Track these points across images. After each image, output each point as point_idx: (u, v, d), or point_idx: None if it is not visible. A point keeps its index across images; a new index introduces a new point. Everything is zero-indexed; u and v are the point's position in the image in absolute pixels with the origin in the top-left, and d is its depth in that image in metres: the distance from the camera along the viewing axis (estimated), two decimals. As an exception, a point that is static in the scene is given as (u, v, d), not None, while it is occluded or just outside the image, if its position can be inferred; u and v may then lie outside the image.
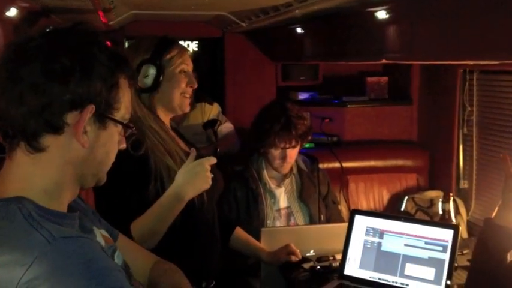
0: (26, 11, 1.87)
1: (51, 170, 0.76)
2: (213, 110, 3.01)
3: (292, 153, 2.17)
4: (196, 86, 1.56)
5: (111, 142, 0.82)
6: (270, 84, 3.60)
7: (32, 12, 2.00)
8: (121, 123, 0.81)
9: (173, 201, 1.36)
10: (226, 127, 2.94)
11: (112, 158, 0.85)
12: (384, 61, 2.31)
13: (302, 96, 3.42)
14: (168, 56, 1.50)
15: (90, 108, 0.76)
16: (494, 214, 1.17)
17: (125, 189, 1.38)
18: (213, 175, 1.42)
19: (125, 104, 0.82)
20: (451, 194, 2.24)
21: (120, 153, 1.34)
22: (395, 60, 2.30)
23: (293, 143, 2.14)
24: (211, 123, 2.24)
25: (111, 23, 2.90)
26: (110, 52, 0.79)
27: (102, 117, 0.78)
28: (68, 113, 0.74)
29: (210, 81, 3.57)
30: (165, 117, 1.56)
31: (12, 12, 1.73)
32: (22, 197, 0.74)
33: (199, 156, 1.43)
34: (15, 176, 0.75)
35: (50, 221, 0.73)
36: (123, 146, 0.87)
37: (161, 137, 1.48)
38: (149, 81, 1.48)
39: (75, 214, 0.82)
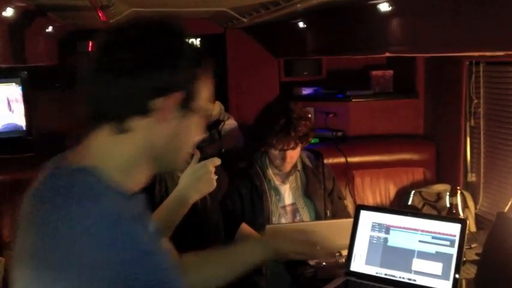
0: (22, 10, 1.86)
1: (130, 151, 0.81)
2: (215, 108, 3.00)
3: (293, 154, 2.14)
4: None
5: (190, 131, 0.86)
6: (273, 80, 3.58)
7: (28, 11, 1.99)
8: (201, 113, 0.86)
9: (177, 205, 1.35)
10: (229, 124, 2.92)
11: (189, 147, 0.88)
12: (387, 54, 2.27)
13: (306, 91, 3.40)
14: None
15: (176, 96, 0.80)
16: (507, 208, 1.14)
17: None
18: (217, 176, 1.40)
19: (205, 95, 0.86)
20: (459, 188, 2.21)
21: None
22: (399, 53, 2.27)
23: (292, 145, 2.10)
24: (215, 124, 2.22)
25: (110, 21, 2.89)
26: (194, 46, 0.85)
27: (185, 106, 0.82)
28: (156, 99, 0.78)
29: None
30: None
31: (8, 12, 1.72)
32: (95, 168, 0.78)
33: (203, 157, 1.41)
34: (93, 151, 0.80)
35: (112, 196, 0.77)
36: (200, 137, 0.89)
37: None
38: None
39: (140, 195, 0.85)
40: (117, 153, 0.81)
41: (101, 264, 0.69)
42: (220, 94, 3.39)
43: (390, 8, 1.98)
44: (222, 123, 2.50)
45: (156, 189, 1.42)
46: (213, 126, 2.18)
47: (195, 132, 0.87)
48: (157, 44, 0.81)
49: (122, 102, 0.79)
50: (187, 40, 0.84)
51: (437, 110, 2.99)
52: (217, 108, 3.00)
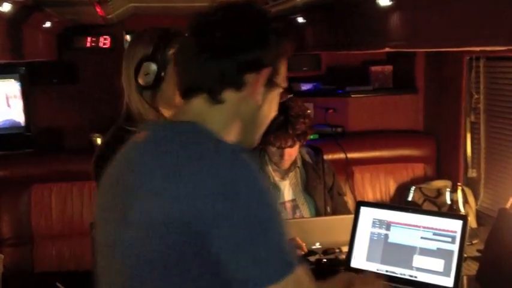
0: (20, 5, 1.84)
1: (224, 119, 0.90)
2: None
3: (291, 151, 2.13)
4: None
5: (273, 105, 0.96)
6: None
7: (25, 6, 1.97)
8: (280, 89, 0.95)
9: None
10: None
11: (269, 121, 0.98)
12: (387, 49, 2.26)
13: (305, 87, 3.38)
14: (170, 52, 1.44)
15: (265, 72, 0.90)
16: (509, 204, 1.14)
17: None
18: None
19: (284, 73, 0.95)
20: (459, 184, 2.20)
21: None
22: (399, 49, 2.25)
23: (289, 143, 2.09)
24: None
25: (109, 16, 2.87)
26: (277, 26, 0.94)
27: (271, 81, 0.92)
28: (248, 74, 0.89)
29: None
30: (168, 113, 1.50)
31: (5, 7, 1.70)
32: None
33: None
34: (191, 115, 0.90)
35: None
36: (276, 112, 0.99)
37: None
38: (150, 79, 1.43)
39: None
40: (213, 120, 0.90)
41: (261, 214, 0.80)
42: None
43: (390, 2, 1.97)
44: None
45: None
46: None
47: (274, 107, 0.96)
48: (248, 24, 0.90)
49: (218, 77, 0.88)
50: (273, 21, 0.94)
51: (437, 105, 2.98)
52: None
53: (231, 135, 0.92)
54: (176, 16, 3.30)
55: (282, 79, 0.95)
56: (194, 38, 0.92)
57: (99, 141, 3.07)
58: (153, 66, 1.43)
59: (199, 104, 0.91)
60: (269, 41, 0.90)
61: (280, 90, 0.95)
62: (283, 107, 2.11)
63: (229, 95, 0.90)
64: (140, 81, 1.44)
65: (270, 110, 0.96)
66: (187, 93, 0.93)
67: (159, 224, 0.80)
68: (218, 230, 0.78)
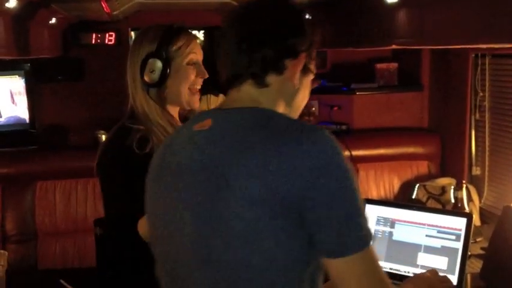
0: (26, 2, 1.84)
1: (272, 100, 0.98)
2: (218, 101, 2.97)
3: None
4: (206, 76, 1.50)
5: (307, 90, 1.04)
6: None
7: (31, 2, 1.97)
8: (312, 75, 1.04)
9: None
10: None
11: (303, 105, 1.06)
12: (394, 46, 2.25)
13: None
14: (175, 47, 1.44)
15: (303, 58, 0.99)
16: None
17: (132, 188, 1.33)
18: None
19: (315, 59, 1.04)
20: (464, 182, 2.19)
21: (125, 152, 1.35)
22: (406, 46, 2.24)
23: None
24: None
25: (115, 12, 2.86)
26: (311, 16, 1.06)
27: (306, 66, 1.01)
28: (288, 60, 0.97)
29: (216, 72, 3.50)
30: (174, 110, 1.51)
31: (11, 3, 1.70)
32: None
33: None
34: (247, 99, 0.97)
35: None
36: (308, 98, 1.07)
37: (168, 133, 1.43)
38: (156, 76, 1.42)
39: None
40: (265, 102, 0.97)
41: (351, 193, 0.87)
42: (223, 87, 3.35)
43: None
44: None
45: None
46: None
47: (307, 92, 1.04)
48: (286, 13, 0.99)
49: (261, 63, 0.96)
50: (306, 12, 1.03)
51: (442, 103, 2.96)
52: (220, 101, 2.97)
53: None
54: (181, 12, 3.31)
55: (313, 66, 1.03)
56: (235, 29, 0.98)
57: (104, 138, 3.07)
58: (158, 63, 1.42)
59: (249, 89, 0.98)
60: (305, 29, 0.98)
61: (312, 76, 1.03)
62: None
63: (272, 79, 0.98)
64: (146, 78, 1.43)
65: (305, 94, 1.04)
66: (233, 81, 0.99)
67: (254, 200, 0.84)
68: (312, 203, 0.85)
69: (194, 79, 1.48)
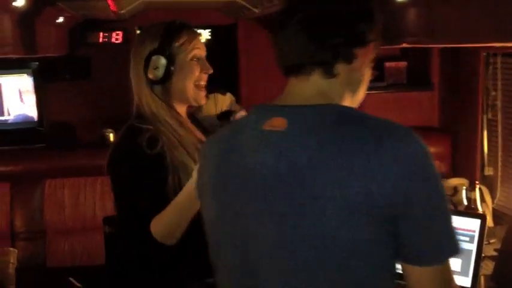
0: (33, 0, 1.84)
1: (340, 91, 0.93)
2: (225, 100, 2.96)
3: None
4: (211, 71, 1.48)
5: (368, 81, 0.99)
6: None
7: (38, 1, 1.96)
8: (372, 65, 1.00)
9: (189, 199, 1.30)
10: (241, 115, 2.88)
11: (363, 97, 1.02)
12: (404, 45, 2.22)
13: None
14: (177, 43, 1.42)
15: (372, 46, 0.94)
16: None
17: (143, 188, 1.34)
18: None
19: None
20: (477, 182, 2.15)
21: (136, 151, 1.34)
22: (416, 44, 2.21)
23: None
24: (226, 114, 2.17)
25: (121, 11, 2.85)
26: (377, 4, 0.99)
27: (372, 57, 0.97)
28: (358, 47, 0.92)
29: (223, 71, 3.49)
30: (181, 108, 1.49)
31: (19, 2, 1.69)
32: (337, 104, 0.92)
33: None
34: (313, 92, 0.92)
35: None
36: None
37: (176, 132, 1.42)
38: (160, 73, 1.40)
39: None
40: (333, 93, 0.92)
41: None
42: (231, 85, 3.35)
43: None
44: (234, 114, 2.46)
45: (169, 182, 1.36)
46: (224, 116, 2.13)
47: (367, 83, 0.99)
48: (359, 3, 0.93)
49: (331, 52, 0.90)
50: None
51: (453, 102, 2.92)
52: (227, 100, 2.95)
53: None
54: (188, 11, 3.30)
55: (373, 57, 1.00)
56: (302, 14, 0.91)
57: (111, 136, 3.08)
58: (162, 60, 1.40)
59: (317, 80, 0.92)
60: (374, 16, 0.93)
61: (372, 66, 0.99)
62: None
63: (341, 68, 0.92)
64: (150, 75, 1.42)
65: (366, 84, 0.99)
66: (298, 70, 0.92)
67: (346, 207, 0.80)
68: (407, 210, 0.81)
69: (199, 75, 1.46)
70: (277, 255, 0.85)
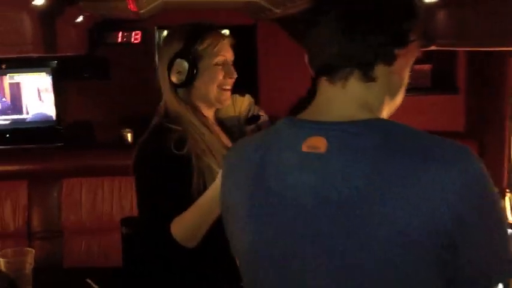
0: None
1: (379, 98, 0.86)
2: (244, 102, 2.91)
3: None
4: (235, 76, 1.47)
5: (406, 82, 0.92)
6: (306, 75, 3.43)
7: (59, 0, 1.95)
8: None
9: (212, 203, 1.29)
10: (265, 120, 2.84)
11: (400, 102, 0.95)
12: (433, 48, 2.15)
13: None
14: (201, 47, 1.41)
15: (414, 46, 0.86)
16: None
17: (167, 189, 1.34)
18: None
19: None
20: (508, 191, 2.08)
21: (163, 152, 1.34)
22: (446, 47, 2.14)
23: None
24: (254, 119, 2.13)
25: (141, 11, 2.83)
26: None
27: (413, 59, 0.90)
28: (398, 48, 0.84)
29: (241, 72, 3.45)
30: (208, 111, 1.48)
31: (39, 0, 1.67)
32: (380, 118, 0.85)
33: None
34: (352, 100, 0.84)
35: None
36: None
37: (202, 134, 1.41)
38: (183, 77, 1.40)
39: None
40: (370, 101, 0.85)
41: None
42: (250, 87, 3.30)
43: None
44: (261, 119, 2.42)
45: (194, 184, 1.35)
46: (251, 121, 2.09)
47: (406, 88, 0.92)
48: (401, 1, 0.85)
49: (370, 52, 0.82)
50: None
51: (479, 106, 2.84)
52: (246, 101, 2.91)
53: (384, 115, 0.88)
54: (208, 11, 3.26)
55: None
56: (338, 9, 0.84)
57: (129, 136, 3.07)
58: (185, 64, 1.39)
59: (355, 85, 0.84)
60: (417, 14, 0.85)
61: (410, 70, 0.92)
62: None
63: (380, 71, 0.84)
64: (173, 78, 1.41)
65: (405, 90, 0.91)
66: (333, 72, 0.84)
67: (400, 233, 0.74)
68: (467, 237, 0.76)
69: (222, 80, 1.44)
70: (321, 285, 0.79)
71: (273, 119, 2.81)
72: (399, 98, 0.90)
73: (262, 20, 3.39)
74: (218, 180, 1.27)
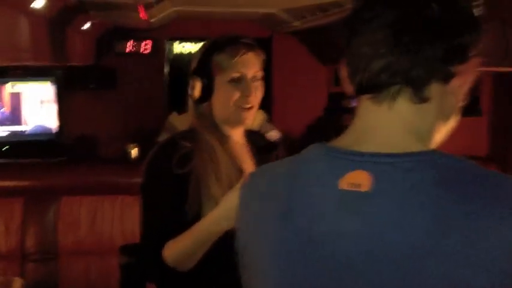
0: (63, 7, 1.70)
1: (431, 124, 0.73)
2: (257, 117, 2.78)
3: None
4: (251, 95, 1.32)
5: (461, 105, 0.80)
6: (321, 90, 3.33)
7: (69, 8, 1.83)
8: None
9: (212, 228, 1.22)
10: (272, 136, 2.69)
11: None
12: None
13: (356, 103, 3.13)
14: (215, 63, 1.30)
15: (475, 62, 0.72)
16: None
17: (161, 206, 1.29)
18: None
19: None
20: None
21: (164, 169, 1.28)
22: (486, 67, 1.98)
23: None
24: (273, 147, 1.95)
25: (152, 20, 2.71)
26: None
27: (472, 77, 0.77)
28: (457, 63, 0.71)
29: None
30: (231, 129, 1.35)
31: (38, 3, 1.53)
32: (434, 150, 0.71)
33: None
34: (400, 126, 0.72)
35: None
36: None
37: (215, 155, 1.30)
38: (196, 94, 1.32)
39: None
40: (422, 126, 0.72)
41: None
42: (263, 102, 3.15)
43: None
44: (279, 147, 2.25)
45: (187, 207, 1.26)
46: (270, 149, 1.91)
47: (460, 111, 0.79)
48: (460, 10, 0.72)
49: (426, 67, 0.69)
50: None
51: (504, 129, 2.68)
52: (259, 117, 2.79)
53: (436, 143, 0.74)
54: (221, 22, 3.13)
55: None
56: (387, 14, 0.70)
57: (134, 152, 2.92)
58: (198, 81, 1.32)
59: (403, 107, 0.71)
60: (479, 25, 0.71)
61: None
62: (338, 128, 1.90)
63: (434, 90, 0.70)
64: (191, 94, 1.34)
65: (459, 114, 0.78)
66: (378, 90, 0.71)
67: None
68: None
69: (239, 98, 1.31)
70: None
71: (286, 137, 2.67)
72: (452, 123, 0.76)
73: (278, 32, 3.27)
74: (218, 212, 1.21)
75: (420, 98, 0.70)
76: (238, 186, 1.19)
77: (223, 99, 1.32)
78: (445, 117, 0.74)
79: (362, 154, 0.69)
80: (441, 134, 0.75)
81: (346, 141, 0.73)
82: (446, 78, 0.70)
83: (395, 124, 0.71)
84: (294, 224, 0.71)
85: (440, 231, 0.63)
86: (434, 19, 0.69)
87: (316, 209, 0.69)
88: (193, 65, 1.33)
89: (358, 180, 0.67)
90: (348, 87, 0.74)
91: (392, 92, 0.70)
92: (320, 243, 0.69)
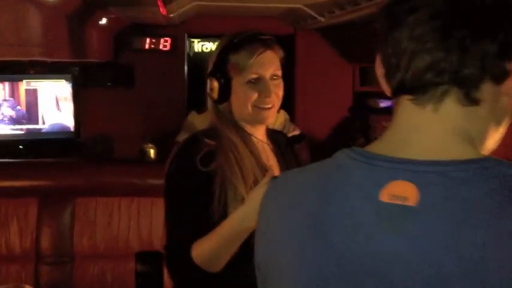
0: (81, 1, 1.63)
1: (481, 126, 0.66)
2: (279, 118, 2.72)
3: None
4: (270, 95, 1.28)
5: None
6: (346, 90, 3.23)
7: (88, 3, 1.77)
8: None
9: (238, 227, 1.20)
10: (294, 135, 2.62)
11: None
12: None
13: (383, 103, 3.01)
14: (232, 65, 1.28)
15: None
16: None
17: (187, 205, 1.27)
18: None
19: None
20: None
21: (188, 167, 1.27)
22: None
23: None
24: (299, 139, 1.92)
25: (171, 15, 2.64)
26: None
27: None
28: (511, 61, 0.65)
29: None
30: (252, 128, 1.33)
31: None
32: (487, 157, 0.64)
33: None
34: (447, 130, 0.65)
35: None
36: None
37: (238, 153, 1.28)
38: (214, 94, 1.30)
39: None
40: (472, 131, 0.65)
41: None
42: (286, 102, 3.06)
43: None
44: (302, 142, 2.19)
45: (214, 206, 1.24)
46: (293, 144, 1.88)
47: None
48: None
49: (478, 64, 0.63)
50: None
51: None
52: (281, 117, 2.72)
53: (487, 150, 0.67)
54: (243, 18, 3.04)
55: None
56: (431, 9, 0.63)
57: (152, 152, 2.85)
58: (215, 82, 1.30)
59: (451, 109, 0.63)
60: None
61: None
62: (363, 128, 1.82)
63: (486, 91, 0.63)
64: (209, 94, 1.33)
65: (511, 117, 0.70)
66: (422, 89, 0.63)
67: None
68: None
69: (257, 99, 1.28)
70: None
71: (309, 138, 2.56)
72: (504, 128, 0.70)
73: (302, 29, 3.16)
74: (243, 210, 1.19)
75: (471, 99, 0.63)
76: (263, 183, 1.17)
77: (242, 100, 1.29)
78: (498, 121, 0.67)
79: (406, 161, 0.61)
80: (493, 139, 0.67)
81: (385, 146, 0.65)
82: (501, 77, 0.64)
83: (441, 128, 0.64)
84: (326, 239, 0.64)
85: (499, 255, 0.55)
86: (488, 9, 0.63)
87: (353, 223, 0.62)
88: (210, 65, 1.30)
89: (402, 192, 0.60)
90: (385, 87, 0.68)
91: (438, 93, 0.63)
92: (356, 263, 0.62)
